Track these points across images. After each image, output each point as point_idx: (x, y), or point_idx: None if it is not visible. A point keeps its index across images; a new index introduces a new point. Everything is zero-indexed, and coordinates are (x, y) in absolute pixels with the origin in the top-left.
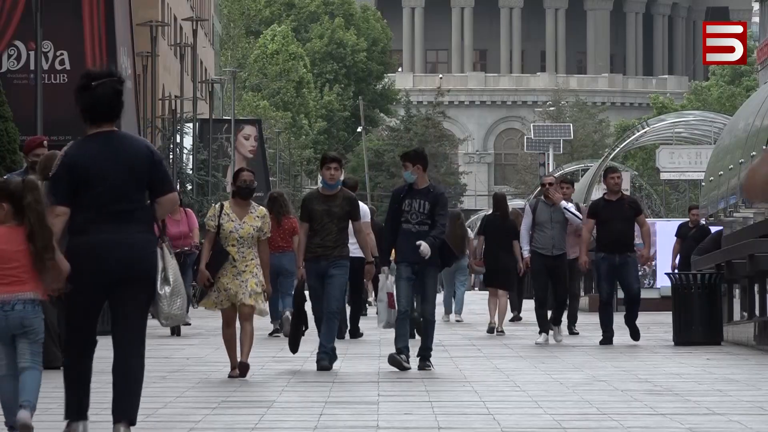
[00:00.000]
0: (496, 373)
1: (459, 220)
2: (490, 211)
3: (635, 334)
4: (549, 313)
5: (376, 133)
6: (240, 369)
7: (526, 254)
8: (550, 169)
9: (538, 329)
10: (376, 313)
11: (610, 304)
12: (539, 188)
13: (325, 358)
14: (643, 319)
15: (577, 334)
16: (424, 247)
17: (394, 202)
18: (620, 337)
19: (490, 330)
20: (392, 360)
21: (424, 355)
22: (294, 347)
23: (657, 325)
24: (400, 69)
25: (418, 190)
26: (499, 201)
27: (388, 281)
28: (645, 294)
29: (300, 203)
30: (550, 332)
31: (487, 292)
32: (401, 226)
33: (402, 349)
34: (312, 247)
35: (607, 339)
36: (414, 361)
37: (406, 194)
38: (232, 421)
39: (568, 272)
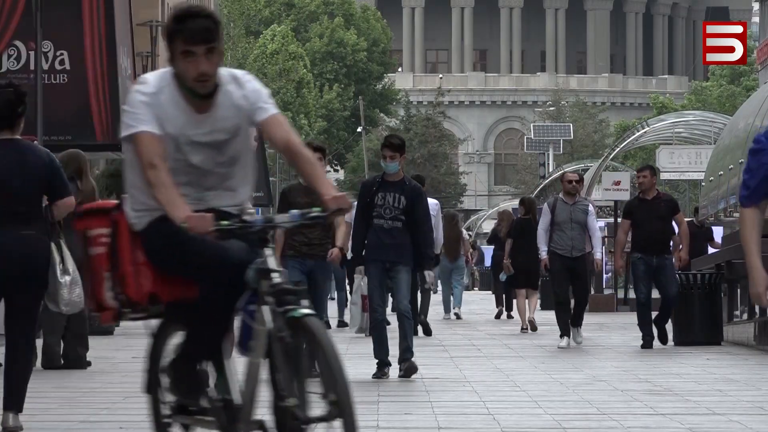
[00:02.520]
0: (496, 373)
1: (454, 221)
2: (518, 215)
3: (663, 338)
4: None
5: (376, 133)
6: None
7: (544, 255)
8: (550, 170)
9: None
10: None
11: (648, 306)
12: (539, 187)
13: None
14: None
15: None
16: (431, 277)
17: (365, 196)
18: (621, 337)
19: (523, 330)
20: (377, 376)
21: (406, 357)
22: None
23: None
24: (400, 69)
25: (392, 182)
26: (528, 204)
27: (362, 283)
28: None
29: (280, 195)
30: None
31: (489, 292)
32: (372, 221)
33: (385, 361)
34: (296, 245)
35: (647, 342)
36: (406, 368)
37: (379, 187)
38: None
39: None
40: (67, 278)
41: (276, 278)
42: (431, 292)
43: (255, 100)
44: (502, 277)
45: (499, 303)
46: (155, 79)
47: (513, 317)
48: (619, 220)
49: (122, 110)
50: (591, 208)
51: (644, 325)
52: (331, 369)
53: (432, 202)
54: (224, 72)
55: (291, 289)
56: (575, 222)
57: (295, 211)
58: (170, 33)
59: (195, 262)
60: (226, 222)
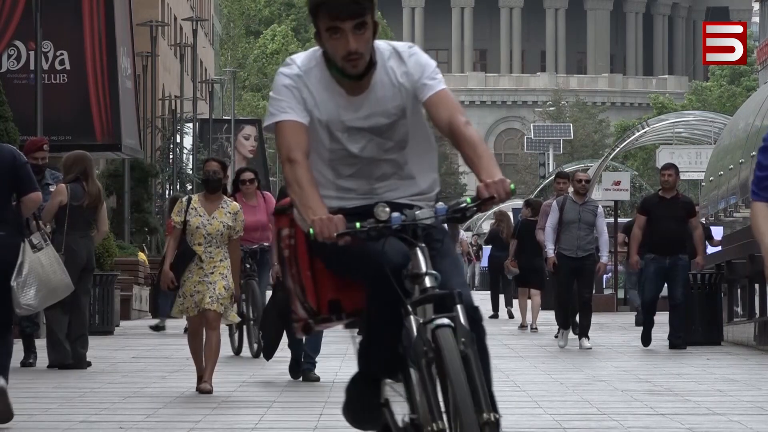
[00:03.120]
0: (496, 373)
1: None
2: (523, 217)
3: (675, 339)
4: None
5: None
6: (201, 392)
7: (551, 254)
8: (550, 170)
9: (556, 330)
10: None
11: (652, 306)
12: (539, 188)
13: (313, 369)
14: None
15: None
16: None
17: None
18: (621, 337)
19: (522, 327)
20: None
21: None
22: (270, 354)
23: (657, 325)
24: None
25: None
26: (535, 206)
27: None
28: None
29: (278, 193)
30: (570, 330)
31: (488, 292)
32: None
33: None
34: None
35: (646, 339)
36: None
37: None
38: (232, 421)
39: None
40: (19, 280)
41: (426, 282)
42: None
43: (418, 77)
44: (509, 277)
45: (495, 307)
46: (302, 59)
47: (513, 316)
48: (620, 220)
49: (269, 97)
50: (600, 209)
51: (645, 324)
52: (453, 390)
53: None
54: (383, 46)
55: (438, 294)
56: (584, 222)
57: (441, 204)
58: (313, 7)
59: (355, 268)
60: (358, 224)
